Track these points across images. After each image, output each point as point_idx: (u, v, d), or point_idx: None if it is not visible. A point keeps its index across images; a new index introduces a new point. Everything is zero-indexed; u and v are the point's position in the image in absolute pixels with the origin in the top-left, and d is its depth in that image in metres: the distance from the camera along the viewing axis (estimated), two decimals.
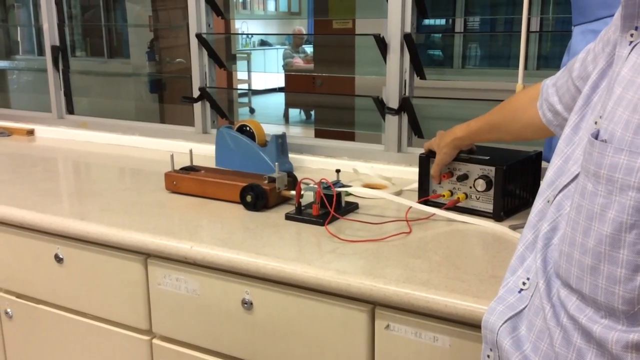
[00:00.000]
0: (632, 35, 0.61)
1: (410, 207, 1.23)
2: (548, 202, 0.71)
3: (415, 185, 1.33)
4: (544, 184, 0.73)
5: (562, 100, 0.94)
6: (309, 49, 7.16)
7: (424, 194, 1.29)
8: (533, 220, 0.73)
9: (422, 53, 1.52)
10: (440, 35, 4.22)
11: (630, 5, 0.61)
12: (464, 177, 1.24)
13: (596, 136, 0.59)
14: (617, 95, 0.59)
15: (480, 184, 1.21)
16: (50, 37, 2.15)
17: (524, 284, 0.70)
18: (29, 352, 1.40)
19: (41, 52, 2.20)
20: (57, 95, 2.20)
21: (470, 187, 1.24)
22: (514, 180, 1.22)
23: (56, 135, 2.16)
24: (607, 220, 0.57)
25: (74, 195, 1.45)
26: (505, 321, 0.69)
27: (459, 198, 1.24)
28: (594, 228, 0.58)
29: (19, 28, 3.65)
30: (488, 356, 0.72)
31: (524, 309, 0.68)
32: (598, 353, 0.59)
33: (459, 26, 4.19)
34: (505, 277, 0.72)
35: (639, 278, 0.56)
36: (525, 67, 1.38)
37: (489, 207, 1.21)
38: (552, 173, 0.72)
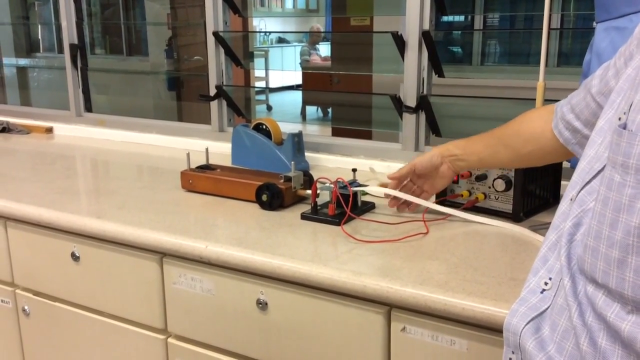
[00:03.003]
0: None
1: (428, 208, 1.22)
2: (571, 200, 0.70)
3: None
4: (568, 187, 0.72)
5: (581, 117, 0.93)
6: (325, 46, 7.15)
7: (442, 193, 1.28)
8: (556, 222, 0.72)
9: (441, 50, 1.50)
10: (460, 32, 4.18)
11: None
12: (482, 177, 1.22)
13: (624, 127, 0.58)
14: None
15: (500, 184, 1.19)
16: (69, 35, 2.17)
17: (545, 284, 0.69)
18: (46, 349, 1.41)
19: (61, 50, 2.21)
20: (76, 93, 2.21)
21: (489, 187, 1.22)
22: (534, 180, 1.20)
23: (74, 133, 2.17)
24: (636, 211, 0.56)
25: (91, 194, 1.46)
26: (528, 322, 0.67)
27: (477, 198, 1.22)
28: (622, 220, 0.57)
29: (39, 26, 3.69)
30: (510, 359, 0.70)
31: (546, 309, 0.67)
32: (624, 354, 0.57)
33: (478, 23, 4.15)
34: (527, 279, 0.71)
35: None
36: (546, 64, 1.36)
37: (508, 208, 1.19)
38: (576, 175, 0.71)
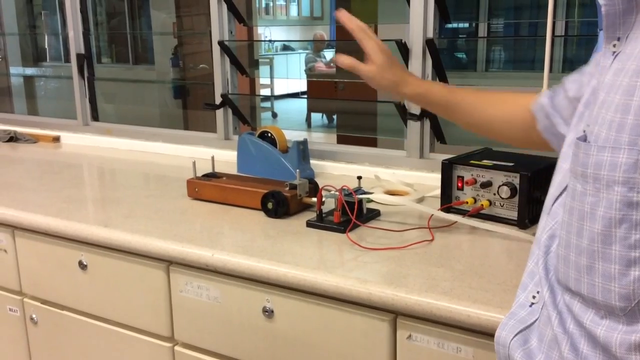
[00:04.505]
0: (614, 45, 0.63)
1: (433, 215, 1.22)
2: (547, 214, 0.72)
3: (438, 191, 1.31)
4: (545, 200, 0.74)
5: (561, 114, 0.96)
6: (330, 53, 7.17)
7: (447, 200, 1.28)
8: (537, 236, 0.74)
9: (446, 56, 1.50)
10: (464, 38, 4.18)
11: (612, 15, 0.62)
12: (487, 184, 1.22)
13: (584, 139, 0.61)
14: (601, 100, 0.61)
15: (505, 191, 1.19)
16: (76, 45, 2.19)
17: (533, 297, 0.70)
18: (54, 357, 1.42)
19: (68, 59, 2.23)
20: (83, 103, 2.23)
21: (494, 194, 1.22)
22: (540, 187, 1.20)
23: (81, 142, 2.19)
24: (598, 218, 0.58)
25: (98, 202, 1.47)
26: (516, 334, 0.69)
27: (482, 205, 1.22)
28: (586, 227, 0.59)
29: (46, 35, 3.72)
30: None
31: (534, 321, 0.68)
32: (605, 359, 0.59)
33: (482, 30, 4.16)
34: (517, 294, 0.73)
35: (632, 272, 0.56)
36: (550, 70, 1.36)
37: (513, 215, 1.20)
38: (552, 188, 0.73)
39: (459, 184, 1.26)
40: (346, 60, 1.13)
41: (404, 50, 1.56)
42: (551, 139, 0.99)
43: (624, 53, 0.60)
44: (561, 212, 0.67)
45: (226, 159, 1.76)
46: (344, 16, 1.14)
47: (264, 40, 7.68)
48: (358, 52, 1.16)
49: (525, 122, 1.03)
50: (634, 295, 0.56)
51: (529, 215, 1.18)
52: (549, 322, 0.65)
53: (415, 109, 1.58)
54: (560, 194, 0.69)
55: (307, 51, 7.83)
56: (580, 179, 0.60)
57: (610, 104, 0.58)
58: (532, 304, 0.69)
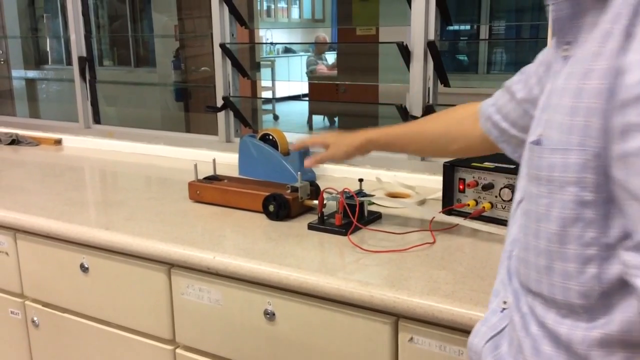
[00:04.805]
0: (565, 49, 0.63)
1: (434, 217, 1.22)
2: (512, 219, 0.74)
3: (439, 194, 1.31)
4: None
5: (508, 119, 0.96)
6: (331, 56, 7.17)
7: (448, 203, 1.28)
8: (505, 242, 0.75)
9: (447, 58, 1.51)
10: (466, 40, 4.18)
11: (560, 20, 0.63)
12: (489, 186, 1.22)
13: (538, 143, 0.62)
14: (554, 104, 0.62)
15: (507, 193, 1.19)
16: (78, 48, 2.19)
17: (504, 302, 0.71)
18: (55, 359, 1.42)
19: (69, 62, 2.24)
20: (84, 106, 2.23)
21: (496, 197, 1.22)
22: None
23: (83, 144, 2.19)
24: (553, 219, 0.59)
25: (100, 205, 1.47)
26: (487, 341, 0.70)
27: (484, 207, 1.22)
28: (543, 228, 0.61)
29: (47, 38, 3.72)
30: None
31: (505, 327, 0.69)
32: (568, 358, 0.60)
33: (483, 32, 4.16)
34: (490, 301, 0.74)
35: (589, 270, 0.57)
36: None
37: None
38: (517, 194, 0.74)
39: (461, 187, 1.26)
40: (310, 162, 1.23)
41: (405, 52, 1.56)
42: (505, 147, 0.99)
43: (574, 57, 0.61)
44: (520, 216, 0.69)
45: (227, 161, 1.76)
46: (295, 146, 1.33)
47: (266, 43, 7.69)
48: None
49: (475, 132, 1.04)
50: (592, 292, 0.57)
51: None
52: (514, 326, 0.67)
53: (417, 111, 1.58)
54: (523, 199, 0.71)
55: (308, 54, 7.83)
56: (534, 181, 0.62)
57: (561, 107, 0.59)
58: (504, 309, 0.70)
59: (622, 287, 0.55)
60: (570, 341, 0.59)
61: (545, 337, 0.62)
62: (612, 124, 0.53)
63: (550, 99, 0.64)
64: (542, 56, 0.85)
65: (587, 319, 0.58)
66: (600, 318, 0.57)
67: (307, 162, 1.23)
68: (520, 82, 0.92)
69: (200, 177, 1.44)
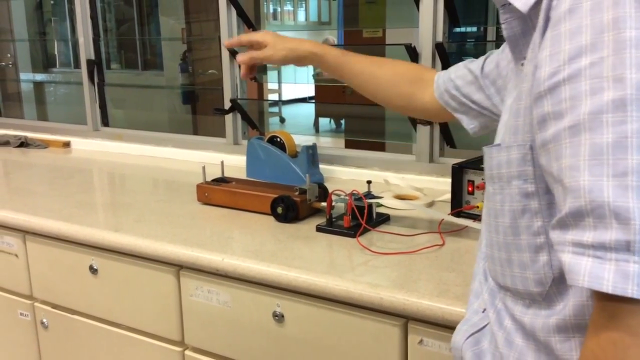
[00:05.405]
0: (522, 64, 0.67)
1: (443, 219, 1.21)
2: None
3: (448, 196, 1.31)
4: None
5: (468, 97, 1.02)
6: None
7: (457, 205, 1.27)
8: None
9: (455, 60, 1.50)
10: (473, 42, 4.17)
11: (512, 38, 0.67)
12: None
13: (491, 146, 0.67)
14: (511, 109, 0.66)
15: None
16: (86, 51, 2.20)
17: (485, 303, 0.73)
18: None
19: (77, 65, 2.25)
20: (93, 108, 2.24)
21: None
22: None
23: (92, 147, 2.20)
24: (505, 213, 0.64)
25: (109, 207, 1.47)
26: (468, 337, 0.72)
27: None
28: (500, 223, 0.65)
29: (55, 42, 3.74)
30: None
31: (486, 325, 0.71)
32: (535, 348, 0.62)
33: (491, 33, 4.15)
34: (469, 301, 0.76)
35: (541, 258, 0.61)
36: None
37: None
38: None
39: (470, 188, 1.25)
40: (242, 57, 1.17)
41: (413, 54, 1.55)
42: (462, 118, 1.05)
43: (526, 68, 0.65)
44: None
45: (235, 163, 1.77)
46: (228, 43, 1.29)
47: None
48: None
49: (413, 84, 1.09)
50: (546, 279, 0.60)
51: None
52: (492, 323, 0.69)
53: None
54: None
55: None
56: (489, 181, 0.66)
57: (514, 111, 0.64)
58: (485, 309, 0.72)
59: None
60: (534, 329, 0.61)
61: (517, 330, 0.64)
62: (533, 116, 0.57)
63: (512, 107, 0.69)
64: (505, 46, 0.91)
65: (546, 306, 0.61)
66: (557, 304, 0.60)
67: (242, 73, 1.18)
68: (490, 63, 0.98)
69: (208, 179, 1.45)
